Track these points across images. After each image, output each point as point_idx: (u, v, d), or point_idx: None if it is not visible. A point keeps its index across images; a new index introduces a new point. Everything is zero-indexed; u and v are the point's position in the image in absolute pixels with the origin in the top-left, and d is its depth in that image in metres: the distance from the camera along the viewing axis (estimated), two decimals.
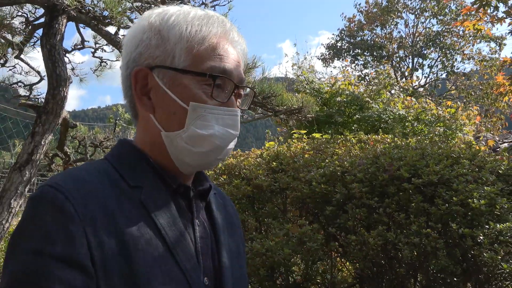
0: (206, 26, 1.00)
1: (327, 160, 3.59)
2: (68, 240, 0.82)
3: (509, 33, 5.60)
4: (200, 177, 1.12)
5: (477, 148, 3.79)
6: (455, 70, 23.19)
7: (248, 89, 1.11)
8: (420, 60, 24.29)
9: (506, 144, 11.28)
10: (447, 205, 2.85)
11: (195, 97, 0.97)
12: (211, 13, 1.03)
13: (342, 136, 4.23)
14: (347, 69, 16.43)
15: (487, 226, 2.82)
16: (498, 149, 10.05)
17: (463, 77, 22.58)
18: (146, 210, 0.94)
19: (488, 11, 5.83)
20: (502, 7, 5.72)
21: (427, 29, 23.73)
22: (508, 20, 5.73)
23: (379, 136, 4.11)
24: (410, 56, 24.31)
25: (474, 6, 5.51)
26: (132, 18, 6.53)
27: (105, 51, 8.20)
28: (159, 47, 1.00)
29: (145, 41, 1.01)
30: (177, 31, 0.99)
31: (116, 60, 8.30)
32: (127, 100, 1.08)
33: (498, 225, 2.72)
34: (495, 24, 5.91)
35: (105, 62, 8.40)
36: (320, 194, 3.27)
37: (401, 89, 10.36)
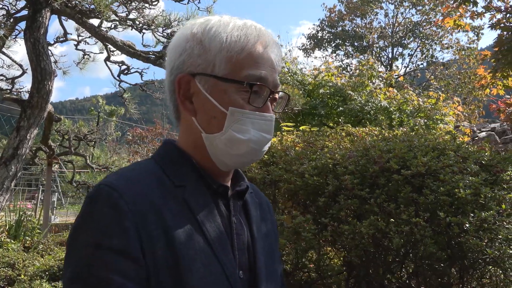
0: (244, 36, 1.08)
1: (318, 153, 3.72)
2: (122, 234, 0.92)
3: (489, 27, 5.77)
4: (238, 177, 1.21)
5: (461, 139, 3.96)
6: (434, 60, 23.58)
7: (281, 93, 1.18)
8: (400, 50, 24.64)
9: (484, 133, 11.61)
10: (434, 195, 3.01)
11: (233, 102, 1.06)
12: (248, 22, 1.11)
13: (332, 128, 4.36)
14: (330, 60, 16.59)
15: (472, 214, 3.00)
16: (476, 138, 10.36)
17: (442, 67, 22.97)
18: (188, 208, 1.03)
19: (468, 7, 6.03)
20: (481, 2, 5.91)
21: (406, 19, 24.04)
22: (487, 15, 5.94)
23: (367, 129, 4.26)
24: (390, 46, 24.61)
25: (454, 4, 5.70)
26: (118, 12, 6.54)
27: (88, 43, 8.17)
28: (200, 56, 1.08)
29: (188, 50, 1.10)
30: (217, 42, 1.07)
31: (100, 53, 8.28)
32: (171, 103, 1.16)
33: (482, 213, 2.89)
34: (475, 19, 6.10)
35: (88, 54, 8.38)
36: (312, 186, 3.40)
37: (383, 81, 10.53)
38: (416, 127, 5.49)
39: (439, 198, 2.96)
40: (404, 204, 3.06)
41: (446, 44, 23.08)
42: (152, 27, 6.76)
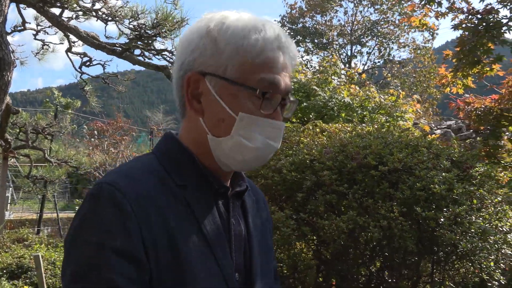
0: (262, 40, 1.03)
1: (294, 148, 3.75)
2: (126, 235, 0.90)
3: (452, 27, 5.97)
4: (238, 176, 1.19)
5: (430, 136, 4.08)
6: (391, 58, 24.19)
7: (292, 98, 1.15)
8: (359, 48, 25.12)
9: (439, 131, 12.03)
10: (411, 190, 3.10)
11: (244, 107, 1.03)
12: (267, 24, 1.07)
13: (302, 123, 4.39)
14: None
15: (445, 209, 3.11)
16: (433, 135, 10.71)
17: (398, 65, 23.60)
18: (190, 208, 1.02)
19: (433, 7, 6.21)
20: (445, 3, 6.10)
21: (365, 17, 24.52)
22: (450, 15, 6.13)
23: (340, 125, 4.32)
24: (349, 44, 25.05)
25: (421, 4, 5.88)
26: (85, 2, 6.33)
27: (47, 33, 7.88)
28: (213, 57, 1.05)
29: (201, 48, 1.06)
30: (233, 44, 1.03)
31: (60, 43, 8.01)
32: (178, 98, 1.13)
33: (457, 208, 3.00)
34: (439, 18, 6.29)
35: (47, 45, 8.09)
36: (290, 181, 3.42)
37: (347, 78, 10.72)
38: (387, 124, 5.64)
39: (415, 194, 3.05)
40: (382, 199, 3.13)
41: (402, 43, 23.73)
42: (117, 18, 6.60)
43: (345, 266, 3.59)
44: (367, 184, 3.23)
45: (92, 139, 14.96)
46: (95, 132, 14.54)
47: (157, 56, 7.11)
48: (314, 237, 3.63)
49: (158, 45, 6.95)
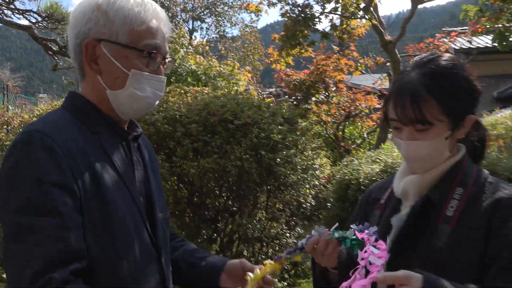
0: (143, 12, 1.16)
1: (164, 106, 3.96)
2: (60, 171, 1.01)
3: (280, 15, 6.65)
4: (132, 123, 1.30)
5: (267, 99, 4.65)
6: (225, 35, 24.87)
7: (170, 58, 1.27)
8: (199, 23, 25.21)
9: (265, 95, 13.09)
10: (257, 139, 3.61)
11: (134, 66, 1.15)
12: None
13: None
14: None
15: (280, 152, 3.71)
16: (269, 99, 11.65)
17: (230, 40, 24.42)
18: (104, 150, 1.14)
19: None
20: None
21: None
22: (279, 5, 6.82)
23: (199, 88, 4.63)
24: (191, 20, 24.95)
25: None
26: None
27: None
28: (106, 26, 1.15)
29: (94, 19, 1.15)
30: (121, 15, 1.14)
31: None
32: (76, 62, 1.21)
33: (288, 151, 3.61)
34: (270, 7, 6.92)
35: None
36: (163, 132, 3.67)
37: (193, 49, 10.91)
38: (235, 88, 6.11)
39: (260, 141, 3.58)
40: (236, 146, 3.58)
41: (234, 21, 24.50)
42: None
43: (203, 199, 4.00)
44: (225, 135, 3.65)
45: None
46: None
47: (17, 16, 6.41)
48: (175, 178, 3.93)
49: (18, 4, 6.27)
